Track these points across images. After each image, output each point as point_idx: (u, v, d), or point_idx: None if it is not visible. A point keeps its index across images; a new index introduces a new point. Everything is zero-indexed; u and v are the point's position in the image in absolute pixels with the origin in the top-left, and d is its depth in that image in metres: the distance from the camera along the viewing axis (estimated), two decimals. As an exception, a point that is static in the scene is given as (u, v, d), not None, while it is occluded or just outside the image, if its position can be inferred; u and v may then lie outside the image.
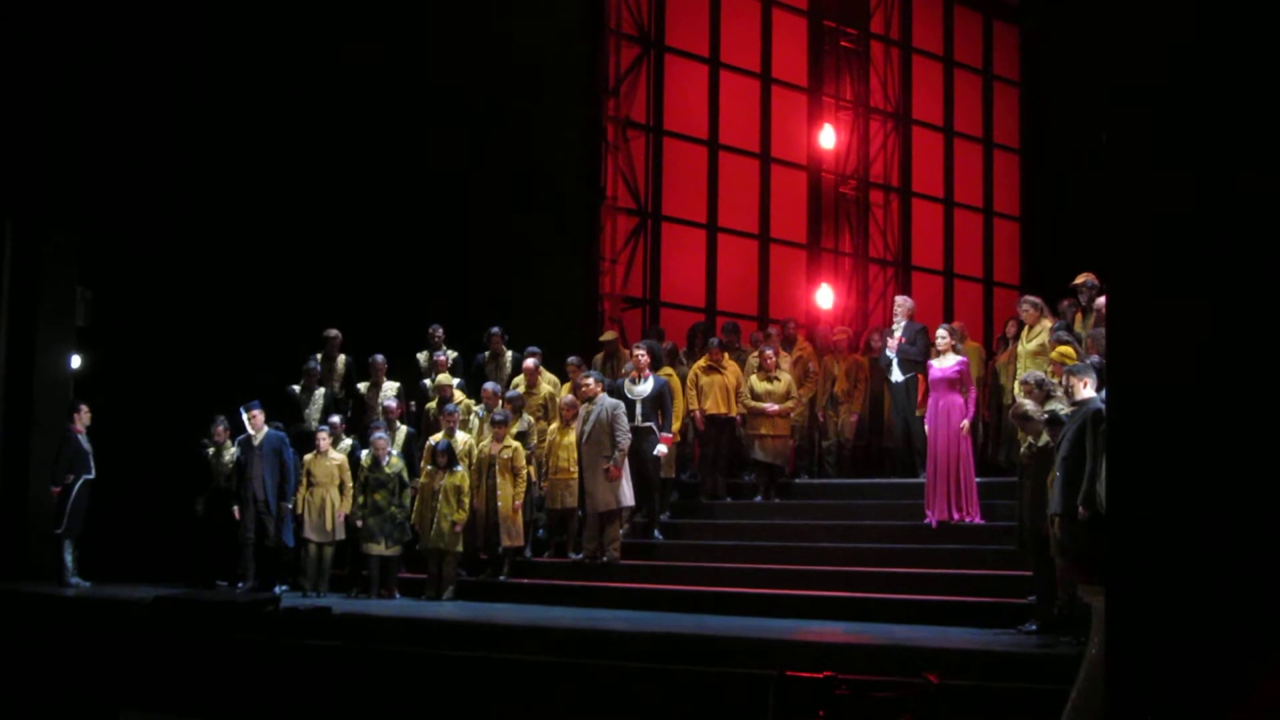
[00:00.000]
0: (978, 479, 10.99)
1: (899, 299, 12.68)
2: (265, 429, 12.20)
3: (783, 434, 12.43)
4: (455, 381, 12.80)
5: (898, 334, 12.14)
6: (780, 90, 17.78)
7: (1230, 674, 4.31)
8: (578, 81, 15.75)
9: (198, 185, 15.10)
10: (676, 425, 12.18)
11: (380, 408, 12.67)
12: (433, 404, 12.71)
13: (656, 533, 12.12)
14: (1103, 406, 7.85)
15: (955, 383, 10.98)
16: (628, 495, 11.57)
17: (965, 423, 10.90)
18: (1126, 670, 4.64)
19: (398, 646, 9.09)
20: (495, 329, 13.27)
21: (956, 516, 10.80)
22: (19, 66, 13.72)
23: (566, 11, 15.65)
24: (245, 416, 12.18)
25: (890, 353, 12.12)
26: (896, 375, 12.16)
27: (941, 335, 11.17)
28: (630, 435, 11.61)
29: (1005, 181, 20.17)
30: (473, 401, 12.60)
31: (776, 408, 12.30)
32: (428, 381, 13.18)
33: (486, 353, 13.27)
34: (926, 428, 11.11)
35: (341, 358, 13.44)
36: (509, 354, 13.17)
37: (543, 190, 15.45)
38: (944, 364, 11.06)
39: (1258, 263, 4.49)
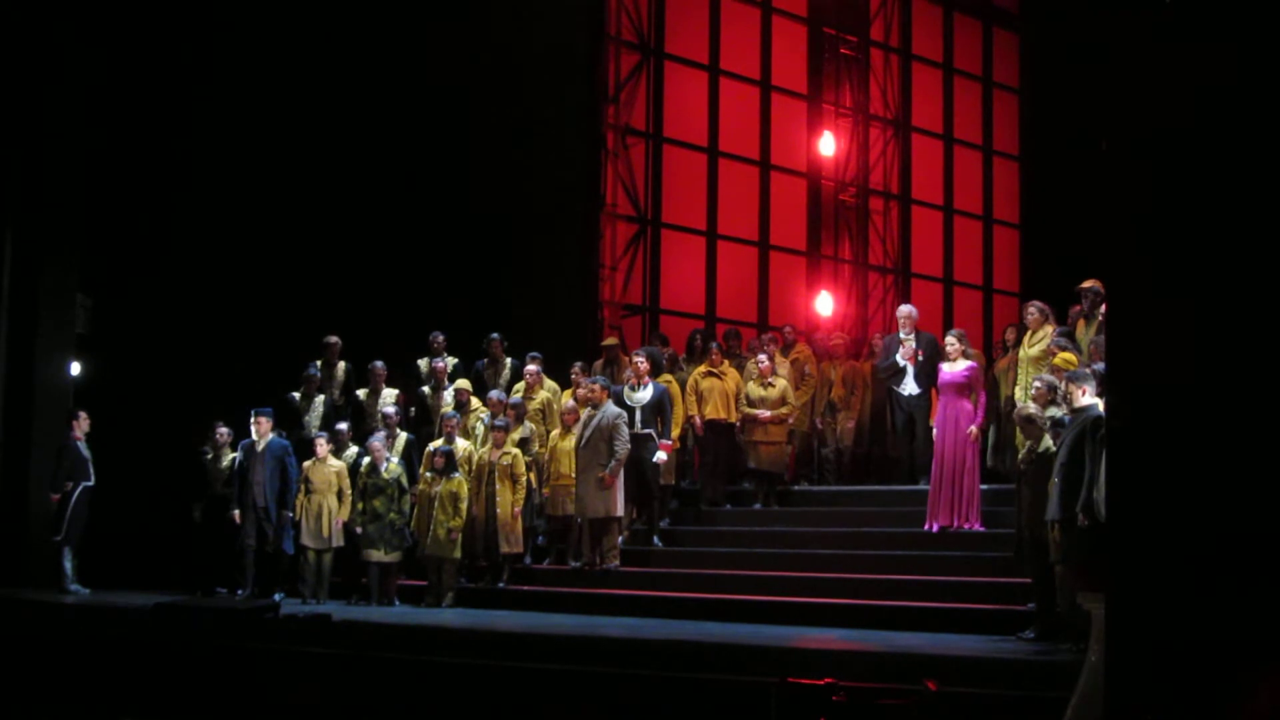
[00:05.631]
0: (980, 486, 10.99)
1: (903, 308, 12.47)
2: (270, 435, 12.17)
3: (778, 441, 12.41)
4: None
5: (911, 345, 12.00)
6: (780, 97, 17.78)
7: (1230, 678, 4.30)
8: (577, 88, 15.75)
9: (197, 192, 15.11)
10: (676, 432, 12.18)
11: (379, 414, 12.66)
12: (448, 408, 12.69)
13: (656, 540, 12.11)
14: (1102, 413, 7.85)
15: (964, 387, 10.94)
16: (619, 505, 11.55)
17: (973, 428, 10.86)
18: (1126, 677, 4.63)
19: (397, 654, 9.08)
20: (494, 335, 13.27)
21: (957, 523, 10.78)
22: (19, 73, 13.72)
23: (566, 18, 15.66)
24: (252, 421, 12.16)
25: (903, 360, 11.95)
26: (912, 388, 12.04)
27: (951, 342, 11.15)
28: (629, 446, 11.59)
29: (1005, 188, 20.15)
30: (484, 407, 12.59)
31: (769, 414, 12.27)
32: (426, 388, 13.17)
33: (485, 359, 13.27)
34: (935, 432, 11.09)
35: (341, 364, 13.43)
36: (508, 360, 13.18)
37: (542, 197, 15.45)
38: (953, 369, 11.04)
39: (1257, 267, 4.49)
